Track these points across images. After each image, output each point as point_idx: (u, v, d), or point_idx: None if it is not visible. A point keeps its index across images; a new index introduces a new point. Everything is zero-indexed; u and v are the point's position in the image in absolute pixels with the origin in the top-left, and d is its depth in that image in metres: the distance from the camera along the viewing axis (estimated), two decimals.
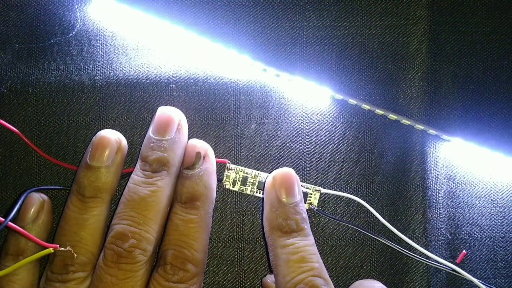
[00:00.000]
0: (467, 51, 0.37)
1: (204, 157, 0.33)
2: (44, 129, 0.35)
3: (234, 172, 0.36)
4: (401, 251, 0.35)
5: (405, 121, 0.36)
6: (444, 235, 0.36)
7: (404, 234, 0.36)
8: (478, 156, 0.37)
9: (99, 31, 0.36)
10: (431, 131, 0.36)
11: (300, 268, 0.31)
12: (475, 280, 0.35)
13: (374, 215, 0.36)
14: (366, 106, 0.36)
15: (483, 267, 0.36)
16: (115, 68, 0.36)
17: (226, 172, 0.36)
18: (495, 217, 0.37)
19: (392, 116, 0.36)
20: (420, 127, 0.36)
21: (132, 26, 0.36)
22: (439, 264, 0.35)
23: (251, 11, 0.37)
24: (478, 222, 0.37)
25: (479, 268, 0.36)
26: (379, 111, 0.36)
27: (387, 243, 0.35)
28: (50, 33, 0.36)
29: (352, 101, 0.36)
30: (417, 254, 0.35)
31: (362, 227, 0.36)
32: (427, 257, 0.35)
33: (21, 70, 0.36)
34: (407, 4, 0.37)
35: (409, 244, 0.35)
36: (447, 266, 0.35)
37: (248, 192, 0.36)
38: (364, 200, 0.36)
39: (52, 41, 0.36)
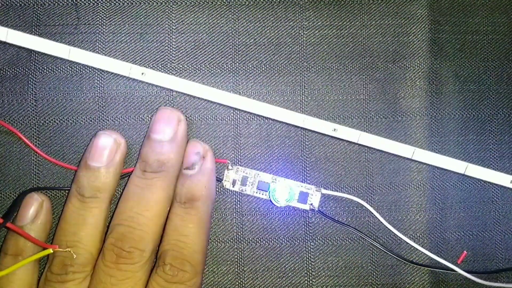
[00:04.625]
0: (468, 51, 0.37)
1: (203, 157, 0.33)
2: (43, 129, 0.35)
3: (234, 172, 0.36)
4: (397, 258, 0.35)
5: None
6: (445, 236, 0.36)
7: (404, 235, 0.36)
8: (478, 156, 0.36)
9: (99, 31, 0.36)
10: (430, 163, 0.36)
11: None
12: (476, 279, 0.35)
13: (375, 215, 0.36)
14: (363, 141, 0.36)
15: (483, 267, 0.36)
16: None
17: (226, 172, 0.36)
18: (495, 217, 0.37)
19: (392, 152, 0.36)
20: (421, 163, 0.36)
21: (132, 26, 0.36)
22: (440, 270, 0.35)
23: (251, 11, 0.36)
24: (479, 222, 0.37)
25: (480, 268, 0.36)
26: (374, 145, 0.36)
27: (386, 252, 0.35)
28: (49, 33, 0.36)
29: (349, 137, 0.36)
30: (418, 256, 0.35)
31: (364, 231, 0.36)
32: (429, 258, 0.35)
33: (20, 70, 0.36)
34: (407, 3, 0.37)
35: (410, 246, 0.35)
36: (448, 268, 0.35)
37: (248, 192, 0.35)
38: (364, 200, 0.36)
39: (51, 41, 0.36)
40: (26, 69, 0.36)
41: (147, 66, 0.36)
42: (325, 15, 0.37)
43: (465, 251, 0.36)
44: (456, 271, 0.35)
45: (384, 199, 0.36)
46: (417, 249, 0.35)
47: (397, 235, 0.35)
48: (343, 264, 0.36)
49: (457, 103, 0.37)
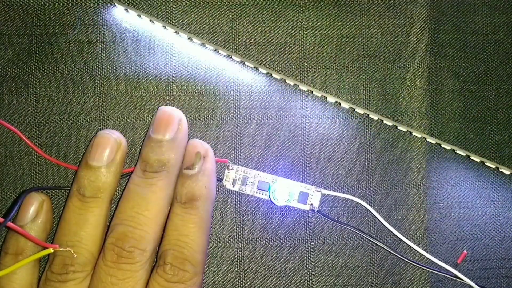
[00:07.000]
0: (468, 51, 0.37)
1: (204, 157, 0.33)
2: (44, 129, 0.36)
3: (234, 172, 0.36)
4: (400, 257, 0.35)
5: (401, 128, 0.36)
6: (445, 235, 0.36)
7: (404, 235, 0.36)
8: (478, 155, 0.36)
9: (99, 31, 0.36)
10: (429, 140, 0.36)
11: None
12: (474, 285, 0.35)
13: (375, 215, 0.36)
14: (360, 111, 0.36)
15: (483, 267, 0.36)
16: (115, 68, 0.36)
17: (226, 172, 0.36)
18: (495, 216, 0.37)
19: (388, 122, 0.36)
20: (416, 134, 0.36)
21: (132, 27, 0.36)
22: (439, 270, 0.35)
23: (251, 11, 0.37)
24: (479, 222, 0.37)
25: (479, 268, 0.36)
26: (374, 116, 0.36)
27: (387, 249, 0.35)
28: (50, 33, 0.36)
29: (345, 105, 0.36)
30: (418, 256, 0.35)
31: (364, 230, 0.36)
32: (429, 261, 0.35)
33: (21, 70, 0.36)
34: (407, 3, 0.37)
35: (409, 245, 0.35)
36: (447, 271, 0.35)
37: (248, 192, 0.35)
38: (364, 200, 0.36)
39: (52, 41, 0.36)
40: (27, 69, 0.36)
41: (147, 65, 0.36)
42: (325, 15, 0.37)
43: (465, 251, 0.36)
44: (456, 276, 0.35)
45: (384, 199, 0.36)
46: (416, 249, 0.36)
47: (397, 236, 0.35)
48: (343, 264, 0.36)
49: (456, 103, 0.37)
